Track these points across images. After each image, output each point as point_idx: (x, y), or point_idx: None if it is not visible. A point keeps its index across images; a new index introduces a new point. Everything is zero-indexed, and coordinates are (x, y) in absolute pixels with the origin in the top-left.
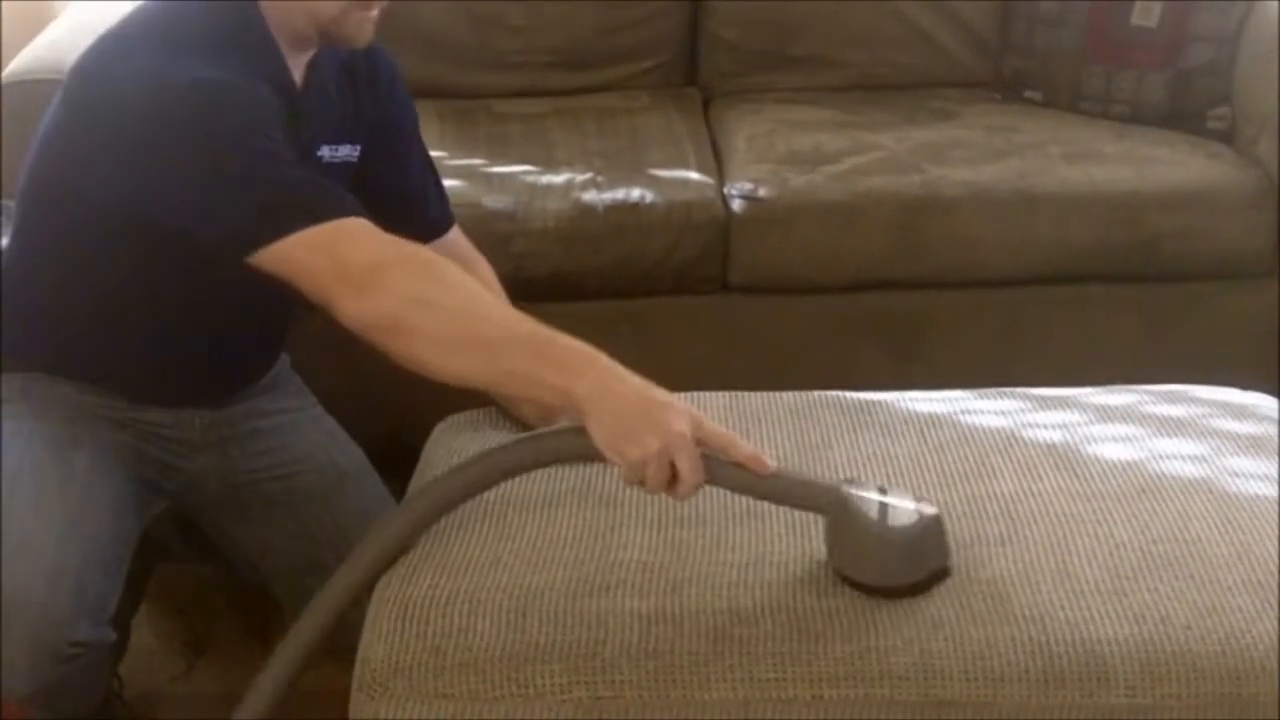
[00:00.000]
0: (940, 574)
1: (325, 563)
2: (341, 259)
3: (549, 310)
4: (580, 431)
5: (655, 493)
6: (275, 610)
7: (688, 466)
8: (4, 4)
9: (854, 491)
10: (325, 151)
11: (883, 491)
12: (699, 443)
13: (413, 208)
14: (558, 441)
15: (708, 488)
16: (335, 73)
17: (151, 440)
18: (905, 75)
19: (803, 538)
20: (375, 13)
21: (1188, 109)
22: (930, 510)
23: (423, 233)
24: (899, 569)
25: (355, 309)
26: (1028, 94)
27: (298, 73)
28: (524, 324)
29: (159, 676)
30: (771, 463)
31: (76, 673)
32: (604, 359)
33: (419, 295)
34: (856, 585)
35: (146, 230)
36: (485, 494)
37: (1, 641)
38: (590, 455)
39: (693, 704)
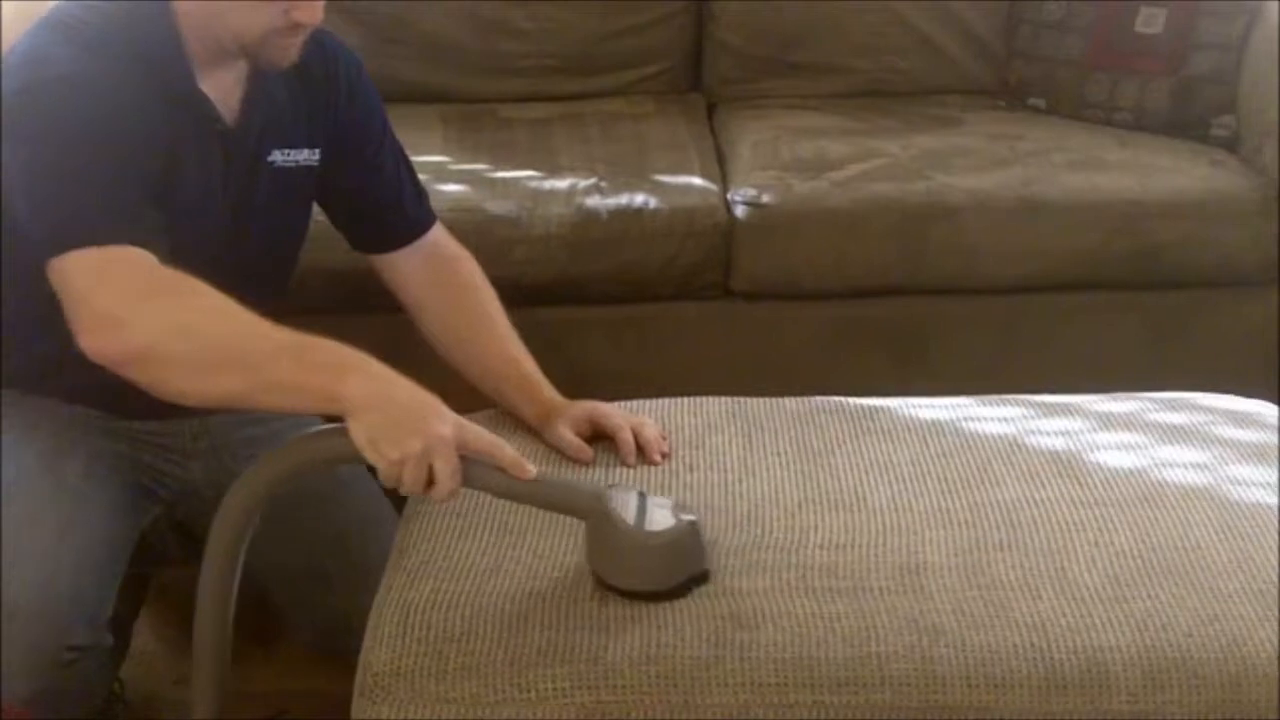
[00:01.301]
0: (698, 579)
1: (324, 569)
2: (96, 290)
3: (552, 316)
4: (342, 432)
5: (412, 494)
6: (275, 614)
7: (445, 470)
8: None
9: (613, 497)
10: (278, 156)
11: (642, 498)
12: (462, 447)
13: (389, 208)
14: (319, 442)
15: (703, 488)
16: (285, 77)
17: (144, 447)
18: (910, 82)
19: (802, 543)
20: (299, 39)
21: (1191, 117)
22: (687, 517)
23: (402, 233)
24: (654, 574)
25: (96, 343)
26: (1031, 101)
27: (232, 78)
28: (284, 334)
29: (161, 680)
30: (533, 469)
31: (76, 676)
32: (373, 363)
33: (174, 324)
34: (612, 589)
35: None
36: (486, 498)
37: (1, 647)
38: (352, 456)
39: (694, 708)
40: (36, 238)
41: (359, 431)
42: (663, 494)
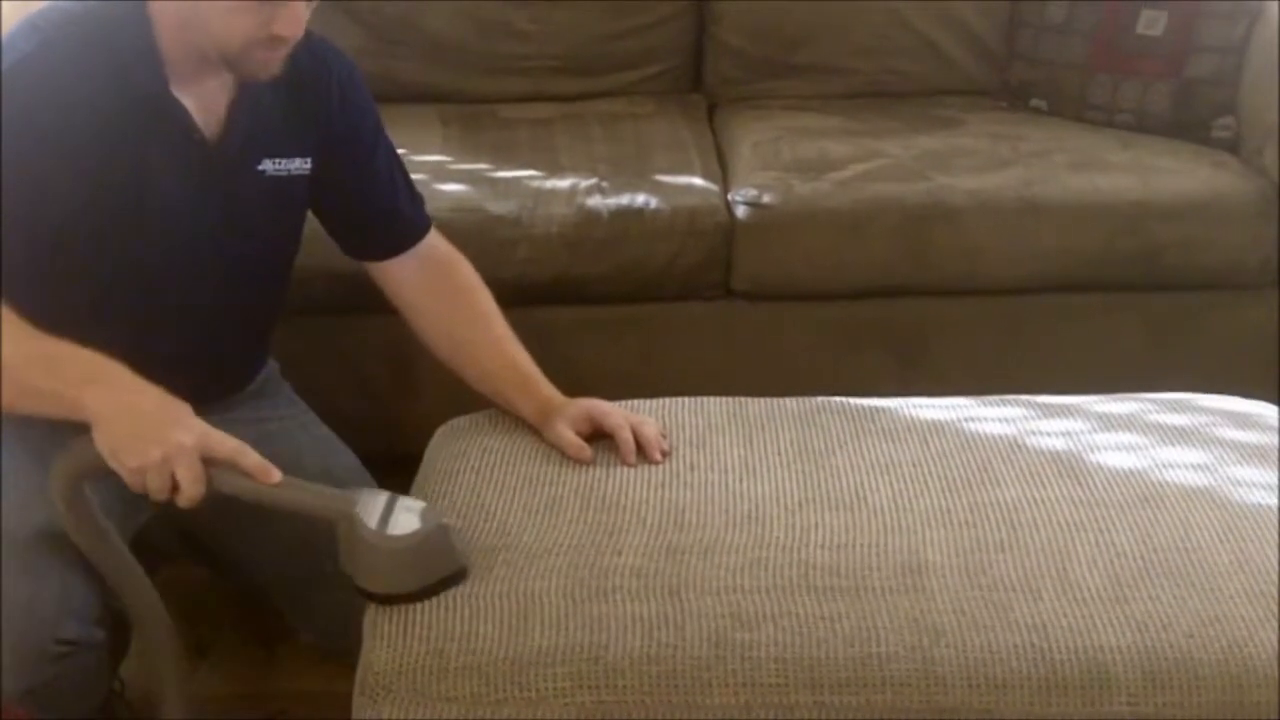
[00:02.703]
0: (452, 579)
1: (322, 571)
2: None
3: (553, 315)
4: (88, 441)
5: (159, 498)
6: (277, 612)
7: (186, 476)
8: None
9: (359, 500)
10: (268, 165)
11: (392, 500)
12: (206, 453)
13: (384, 215)
14: (72, 454)
15: (704, 487)
16: (275, 85)
17: None
18: (911, 83)
19: (803, 543)
20: (281, 53)
21: (1193, 118)
22: (435, 520)
23: (398, 240)
24: (398, 576)
25: None
26: (1033, 102)
27: (217, 87)
28: (40, 342)
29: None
30: (278, 474)
31: (71, 672)
32: (123, 373)
33: None
34: (364, 593)
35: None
36: (486, 498)
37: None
38: (100, 465)
39: (694, 708)
40: None
41: (102, 441)
42: (663, 490)
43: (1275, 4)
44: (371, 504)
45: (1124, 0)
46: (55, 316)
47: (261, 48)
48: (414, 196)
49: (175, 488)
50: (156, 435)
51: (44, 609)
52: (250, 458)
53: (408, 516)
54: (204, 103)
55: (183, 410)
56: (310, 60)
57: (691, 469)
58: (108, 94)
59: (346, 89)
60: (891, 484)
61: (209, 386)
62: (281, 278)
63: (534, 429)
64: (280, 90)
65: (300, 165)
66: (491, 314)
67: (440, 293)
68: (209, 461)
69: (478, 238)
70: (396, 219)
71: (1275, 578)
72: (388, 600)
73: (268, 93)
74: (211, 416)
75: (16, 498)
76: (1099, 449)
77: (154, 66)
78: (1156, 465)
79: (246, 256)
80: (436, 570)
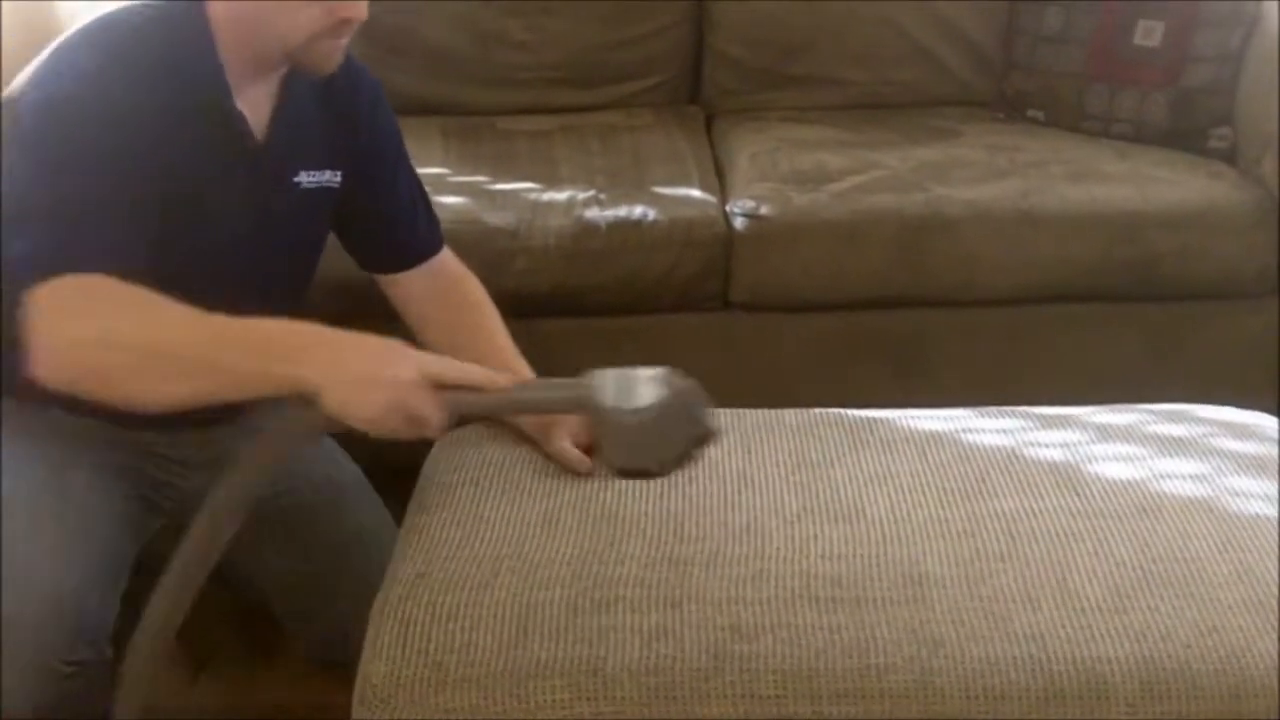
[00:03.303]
0: (701, 440)
1: (324, 581)
2: (40, 320)
3: (550, 327)
4: (310, 405)
5: (411, 439)
6: (275, 625)
7: (423, 409)
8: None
9: (594, 383)
10: (304, 177)
11: (626, 377)
12: (431, 380)
13: (400, 230)
14: (298, 420)
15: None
16: (312, 96)
17: (147, 459)
18: (908, 94)
19: (802, 554)
20: (345, 40)
21: (1189, 128)
22: (680, 383)
23: (412, 255)
24: (650, 448)
25: (41, 374)
26: (1030, 113)
27: (260, 98)
28: (237, 326)
29: (160, 692)
30: (505, 379)
31: (76, 691)
32: (326, 333)
33: (114, 339)
34: (622, 472)
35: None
36: (485, 510)
37: (1, 662)
38: (330, 425)
39: None
40: (16, 254)
41: (331, 404)
42: (662, 501)
43: (1273, 13)
44: (609, 383)
45: (1121, 10)
46: None
47: (327, 36)
48: (430, 214)
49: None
50: (381, 381)
51: (58, 631)
52: (475, 372)
53: (649, 387)
54: (253, 111)
55: (393, 347)
56: (343, 75)
57: (690, 480)
58: (174, 108)
59: (376, 106)
60: (890, 495)
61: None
62: (304, 289)
63: (533, 440)
64: (317, 102)
65: (331, 178)
66: (496, 329)
67: (447, 307)
68: (438, 386)
69: (476, 249)
70: (413, 235)
71: (1274, 588)
72: (643, 475)
73: (307, 104)
74: (223, 426)
75: (31, 517)
76: (1097, 460)
77: (219, 79)
78: (1155, 476)
79: (276, 266)
80: (687, 432)
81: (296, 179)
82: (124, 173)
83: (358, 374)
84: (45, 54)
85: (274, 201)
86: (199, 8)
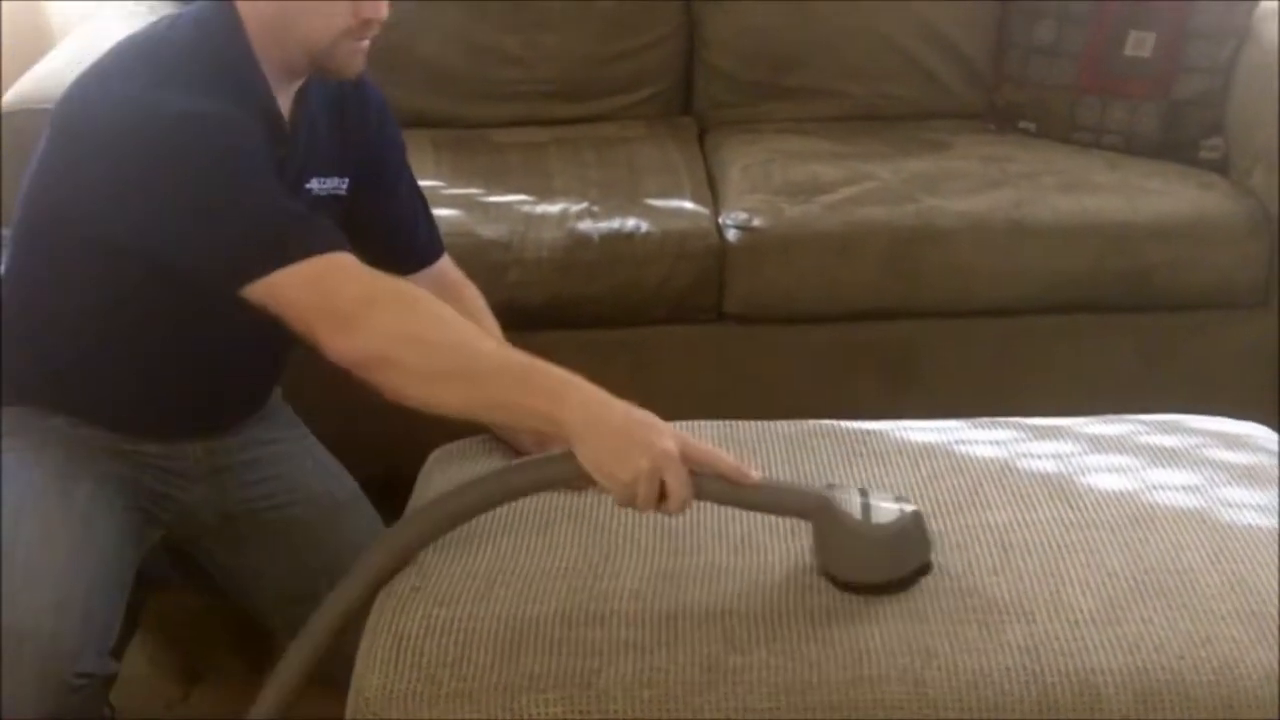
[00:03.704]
0: (923, 569)
1: (320, 593)
2: (329, 295)
3: (544, 339)
4: (569, 457)
5: (646, 511)
6: (271, 638)
7: (677, 484)
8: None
9: (837, 494)
10: (315, 184)
11: (864, 494)
12: (684, 459)
13: (402, 237)
14: (549, 468)
15: (697, 511)
16: (325, 105)
17: (147, 471)
18: (900, 106)
19: (796, 567)
20: (366, 43)
21: (1181, 139)
22: (910, 507)
23: (413, 261)
24: (884, 565)
25: (342, 345)
26: (1021, 125)
27: (285, 103)
28: (508, 354)
29: (155, 704)
30: (756, 474)
31: (81, 702)
32: (587, 385)
33: (406, 331)
34: (844, 586)
35: (136, 263)
36: (480, 523)
37: (9, 673)
38: (580, 480)
39: None
40: (228, 269)
41: (586, 456)
42: (657, 516)
43: (1264, 25)
44: (847, 497)
45: (1112, 21)
46: (98, 325)
47: (350, 38)
48: (431, 222)
49: (662, 497)
50: (642, 445)
51: (68, 641)
52: (726, 460)
53: (886, 505)
54: None
55: (653, 418)
56: (354, 85)
57: None
58: (253, 123)
59: (382, 116)
60: None
61: (232, 410)
62: None
63: (528, 454)
64: (329, 112)
65: (338, 185)
66: (495, 338)
67: None
68: (690, 466)
69: (470, 261)
70: (413, 241)
71: (1269, 598)
72: (873, 591)
73: (320, 112)
74: (226, 439)
75: (39, 528)
76: (1090, 471)
77: (265, 85)
78: (1148, 487)
79: None
80: (917, 557)
81: (309, 186)
82: (269, 173)
83: (619, 433)
84: (83, 83)
85: None
86: (232, 15)
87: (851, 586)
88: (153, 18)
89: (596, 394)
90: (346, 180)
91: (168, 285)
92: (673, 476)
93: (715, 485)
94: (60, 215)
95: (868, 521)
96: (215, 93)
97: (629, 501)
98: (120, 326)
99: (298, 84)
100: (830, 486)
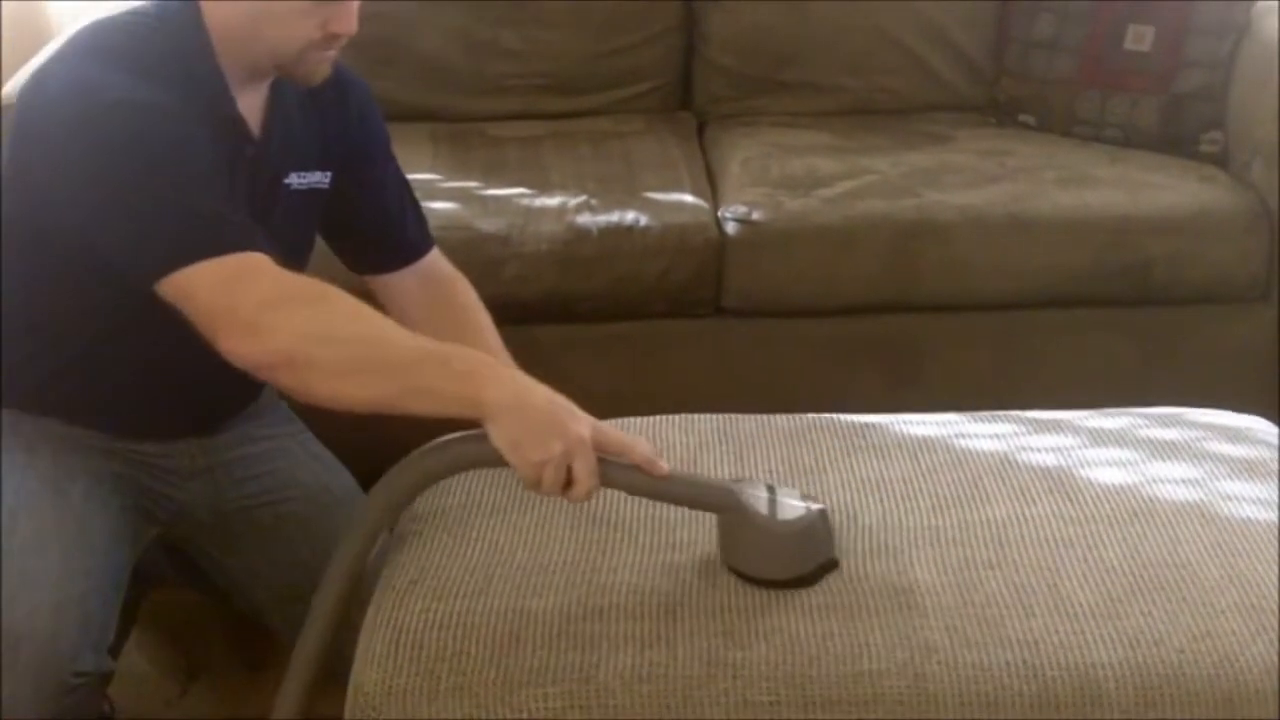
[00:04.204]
0: (828, 566)
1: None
2: (235, 297)
3: (542, 333)
4: (482, 437)
5: (550, 495)
6: (268, 635)
7: (584, 470)
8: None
9: (744, 490)
10: (294, 179)
11: (771, 490)
12: (598, 447)
13: (390, 231)
14: (463, 447)
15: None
16: (300, 98)
17: (142, 469)
18: (900, 100)
19: None
20: (334, 53)
21: (1181, 133)
22: (817, 506)
23: (401, 255)
24: (787, 562)
25: (244, 349)
26: (1022, 118)
27: (253, 102)
28: (424, 342)
29: (153, 702)
30: (666, 465)
31: (79, 701)
32: (510, 369)
33: (315, 330)
34: (747, 579)
35: (96, 257)
36: (478, 517)
37: (7, 674)
38: (494, 459)
39: None
40: (136, 260)
41: (500, 436)
42: (655, 509)
43: (1264, 19)
44: (756, 493)
45: (1112, 16)
46: (79, 326)
47: (317, 49)
48: (419, 217)
49: (568, 483)
50: (556, 429)
51: (65, 641)
52: (640, 449)
53: (792, 502)
54: (248, 115)
55: (571, 405)
56: (332, 79)
57: None
58: (199, 119)
59: (364, 109)
60: (881, 501)
61: (221, 408)
62: None
63: None
64: (306, 106)
65: (320, 179)
66: (489, 333)
67: (439, 309)
68: (601, 454)
69: (467, 255)
70: (401, 235)
71: (1270, 592)
72: (778, 586)
73: (295, 107)
74: (219, 436)
75: (32, 530)
76: (1090, 465)
77: (222, 85)
78: (1147, 480)
79: None
80: (820, 554)
81: (287, 181)
82: (204, 167)
83: (537, 416)
84: (43, 67)
85: (268, 204)
86: (196, 16)
87: (755, 581)
88: None
89: (518, 377)
90: (329, 174)
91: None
92: (581, 463)
93: (625, 474)
94: (26, 210)
95: (773, 518)
96: (162, 84)
97: (535, 484)
98: (102, 326)
99: (265, 83)
100: (738, 481)
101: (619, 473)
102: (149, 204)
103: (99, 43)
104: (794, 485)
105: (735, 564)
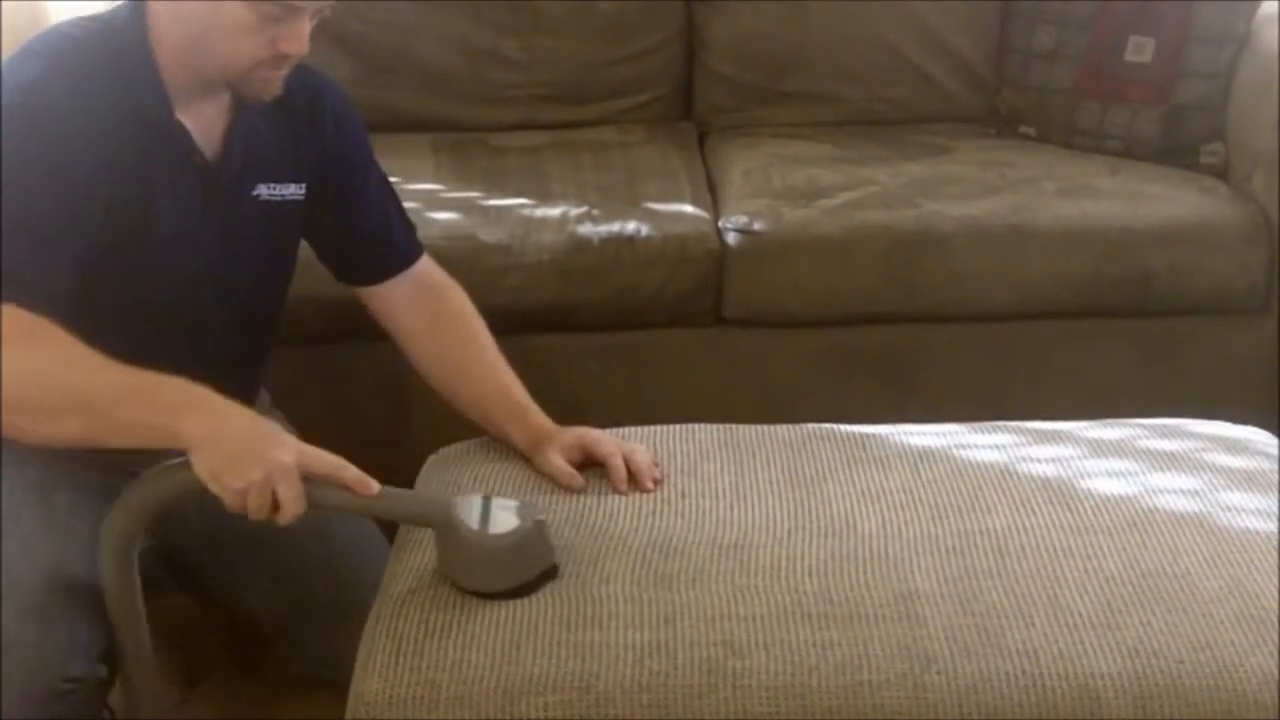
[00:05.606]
0: (547, 574)
1: (314, 599)
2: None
3: (544, 343)
4: (185, 465)
5: (258, 518)
6: (266, 642)
7: (289, 495)
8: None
9: (458, 504)
10: (264, 190)
11: (486, 501)
12: (305, 470)
13: (377, 240)
14: (166, 477)
15: (691, 514)
16: (268, 109)
17: (126, 479)
18: (900, 111)
19: (790, 572)
20: (284, 71)
21: (1181, 144)
22: (533, 518)
23: (391, 264)
24: (499, 575)
25: None
26: (1022, 129)
27: (213, 110)
28: (127, 374)
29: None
30: (375, 485)
31: (73, 708)
32: (215, 398)
33: (11, 371)
34: (465, 591)
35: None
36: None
37: (0, 681)
38: (199, 487)
39: None
40: None
41: (200, 465)
42: (652, 519)
43: (1264, 30)
44: (468, 507)
45: (1112, 27)
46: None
47: (266, 67)
48: (406, 223)
49: (275, 506)
50: (257, 456)
51: (52, 648)
52: (348, 472)
53: (505, 515)
54: (202, 127)
55: (277, 430)
56: (304, 87)
57: (682, 496)
58: (113, 119)
59: (340, 116)
60: (882, 511)
61: None
62: (276, 306)
63: (525, 457)
64: (275, 116)
65: (295, 191)
66: (484, 340)
67: (432, 317)
68: (308, 478)
69: (469, 265)
70: (389, 244)
71: (1269, 604)
72: (490, 597)
73: (262, 118)
74: None
75: (19, 538)
76: (1090, 475)
77: (158, 90)
78: (1147, 491)
79: (242, 283)
80: (535, 565)
81: (255, 193)
82: (62, 186)
83: (235, 444)
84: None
85: (232, 219)
86: (139, 21)
87: (473, 593)
88: None
89: (221, 407)
90: (304, 185)
91: (114, 287)
92: (285, 488)
93: (336, 495)
94: None
95: (484, 532)
96: (96, 88)
97: (240, 510)
98: (79, 331)
99: (224, 94)
100: (456, 496)
101: (327, 494)
102: None
103: (37, 45)
104: (523, 497)
105: (451, 577)
